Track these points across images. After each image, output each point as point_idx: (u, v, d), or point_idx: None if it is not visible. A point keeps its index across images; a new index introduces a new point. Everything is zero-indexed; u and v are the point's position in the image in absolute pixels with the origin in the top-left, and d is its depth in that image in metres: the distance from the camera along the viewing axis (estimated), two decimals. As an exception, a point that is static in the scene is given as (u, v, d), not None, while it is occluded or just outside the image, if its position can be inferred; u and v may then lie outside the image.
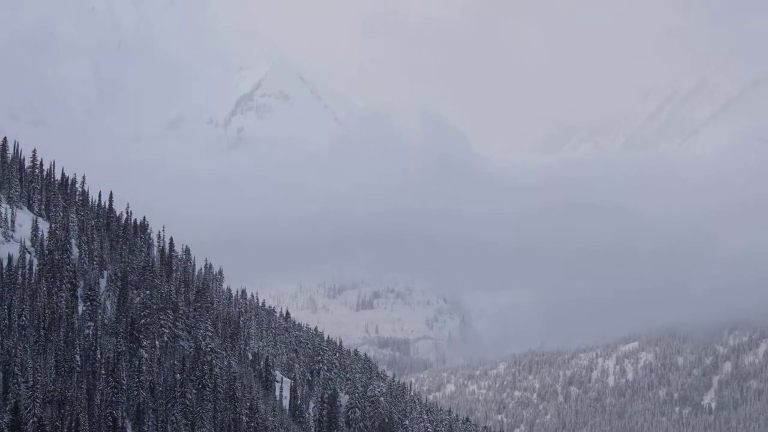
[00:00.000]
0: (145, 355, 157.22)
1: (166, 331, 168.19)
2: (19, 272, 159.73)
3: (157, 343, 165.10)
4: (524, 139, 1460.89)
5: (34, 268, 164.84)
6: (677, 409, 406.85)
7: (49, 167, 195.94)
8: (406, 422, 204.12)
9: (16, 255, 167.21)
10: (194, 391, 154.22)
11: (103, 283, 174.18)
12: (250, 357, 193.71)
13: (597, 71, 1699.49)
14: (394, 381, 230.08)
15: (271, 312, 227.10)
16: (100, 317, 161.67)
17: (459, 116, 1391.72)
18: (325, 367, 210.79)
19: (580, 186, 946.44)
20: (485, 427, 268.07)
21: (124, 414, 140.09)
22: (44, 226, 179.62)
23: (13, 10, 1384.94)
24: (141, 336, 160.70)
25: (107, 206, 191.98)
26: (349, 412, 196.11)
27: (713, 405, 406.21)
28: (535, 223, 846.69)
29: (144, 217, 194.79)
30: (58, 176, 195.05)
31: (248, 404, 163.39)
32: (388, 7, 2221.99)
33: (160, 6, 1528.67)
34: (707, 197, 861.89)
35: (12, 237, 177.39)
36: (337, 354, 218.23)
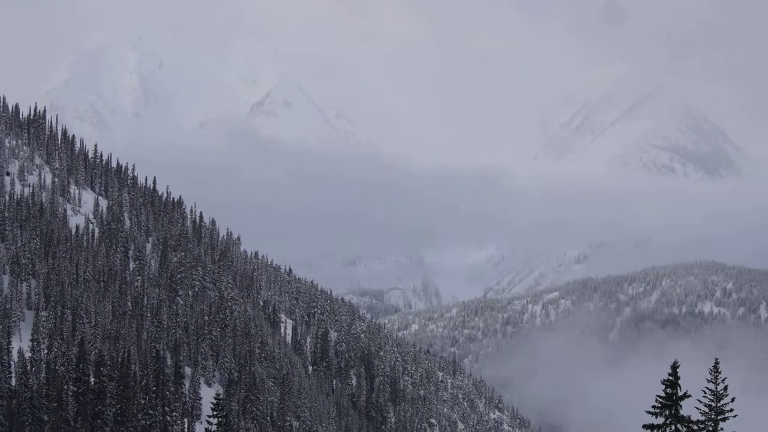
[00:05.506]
0: (181, 302, 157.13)
1: (197, 283, 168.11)
2: (84, 238, 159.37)
3: (189, 292, 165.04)
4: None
5: (96, 235, 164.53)
6: (588, 343, 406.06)
7: (107, 158, 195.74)
8: (381, 353, 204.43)
9: (81, 225, 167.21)
10: (218, 329, 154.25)
11: (148, 246, 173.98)
12: (261, 303, 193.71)
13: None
14: (371, 322, 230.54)
15: (277, 269, 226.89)
16: (146, 273, 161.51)
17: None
18: (319, 311, 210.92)
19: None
20: (441, 357, 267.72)
21: (165, 347, 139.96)
22: (103, 203, 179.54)
23: (80, 37, 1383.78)
24: (177, 287, 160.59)
25: (152, 188, 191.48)
26: (337, 346, 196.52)
27: (616, 340, 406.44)
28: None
29: (180, 195, 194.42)
30: (114, 165, 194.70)
31: (260, 339, 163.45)
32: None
33: (192, 34, 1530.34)
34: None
35: (79, 211, 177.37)
36: (328, 301, 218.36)
